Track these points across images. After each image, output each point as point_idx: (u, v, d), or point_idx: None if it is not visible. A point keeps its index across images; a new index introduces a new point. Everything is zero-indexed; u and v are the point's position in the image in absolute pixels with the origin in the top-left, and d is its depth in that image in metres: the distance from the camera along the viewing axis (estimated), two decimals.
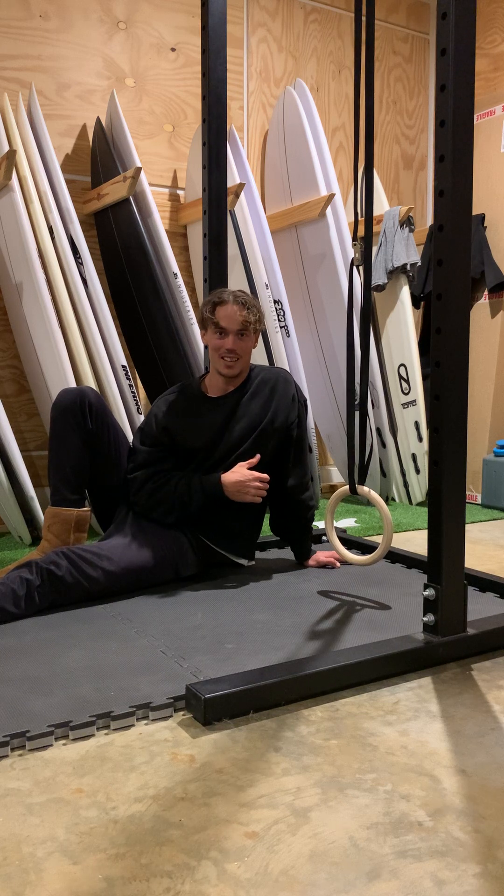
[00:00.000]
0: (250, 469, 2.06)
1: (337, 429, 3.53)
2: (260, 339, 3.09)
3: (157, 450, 2.11)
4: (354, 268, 1.83)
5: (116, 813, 1.03)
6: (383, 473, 3.52)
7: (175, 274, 2.97)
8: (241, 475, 2.03)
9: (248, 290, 3.10)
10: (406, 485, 3.53)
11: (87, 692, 1.37)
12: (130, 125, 3.27)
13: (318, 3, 3.78)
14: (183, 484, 2.06)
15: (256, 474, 2.04)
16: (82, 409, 2.06)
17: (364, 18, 1.70)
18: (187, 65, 3.41)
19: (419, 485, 3.47)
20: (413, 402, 3.43)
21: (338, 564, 2.27)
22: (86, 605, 1.87)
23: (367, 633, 1.68)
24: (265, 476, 2.05)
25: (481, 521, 3.12)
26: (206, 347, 2.52)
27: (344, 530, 2.76)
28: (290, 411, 2.12)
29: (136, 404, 2.85)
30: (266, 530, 2.68)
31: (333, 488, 3.87)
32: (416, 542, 2.72)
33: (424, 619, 1.57)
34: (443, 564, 1.53)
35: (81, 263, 2.80)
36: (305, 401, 2.23)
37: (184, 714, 1.34)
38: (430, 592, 1.55)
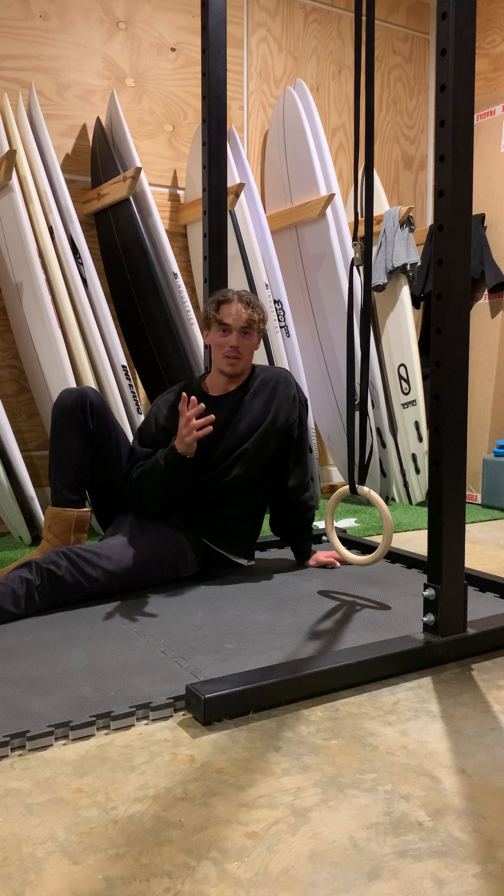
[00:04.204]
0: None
1: (337, 429, 3.53)
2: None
3: (155, 450, 2.11)
4: (354, 268, 1.83)
5: (116, 813, 1.03)
6: (383, 473, 3.52)
7: (175, 274, 2.97)
8: (182, 433, 1.92)
9: (247, 290, 3.10)
10: (406, 485, 3.53)
11: (87, 692, 1.37)
12: (130, 125, 3.27)
13: (318, 3, 3.78)
14: (150, 461, 2.05)
15: (187, 419, 1.89)
16: (83, 409, 2.06)
17: (364, 18, 1.70)
18: (187, 65, 3.41)
19: (419, 485, 3.47)
20: (413, 402, 3.43)
21: (338, 564, 2.27)
22: (86, 605, 1.87)
23: (367, 633, 1.68)
24: (197, 407, 1.89)
25: (481, 521, 3.12)
26: (206, 347, 2.52)
27: (344, 530, 2.76)
28: (290, 411, 2.12)
29: (136, 404, 2.85)
30: (266, 530, 2.68)
31: (333, 488, 3.87)
32: (416, 542, 2.72)
33: (424, 619, 1.57)
34: (443, 564, 1.53)
35: (81, 263, 2.80)
36: (306, 401, 2.23)
37: (184, 714, 1.34)
38: (430, 592, 1.55)
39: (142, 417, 2.85)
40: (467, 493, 3.61)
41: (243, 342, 2.05)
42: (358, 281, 3.16)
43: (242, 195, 3.16)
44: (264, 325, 2.09)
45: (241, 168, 3.28)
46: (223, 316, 2.04)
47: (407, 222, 3.37)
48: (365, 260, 1.80)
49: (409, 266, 3.34)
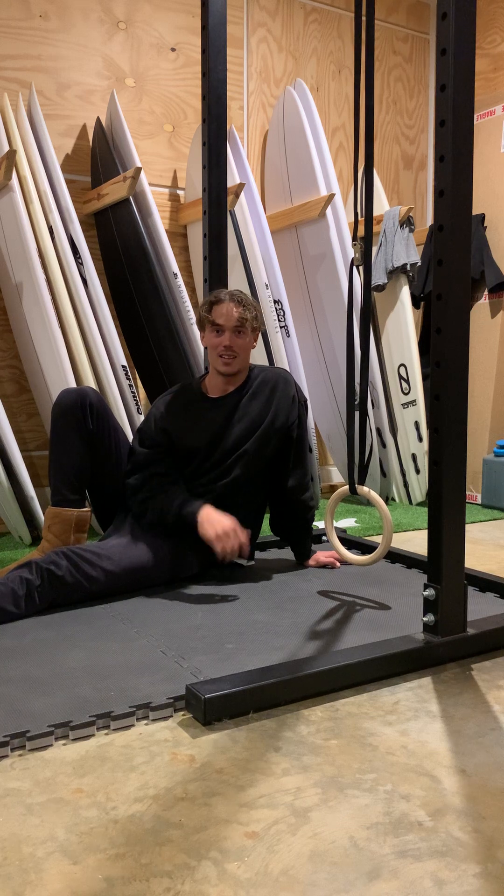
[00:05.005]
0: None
1: (337, 429, 3.53)
2: (260, 339, 3.11)
3: (155, 451, 2.11)
4: (354, 268, 1.83)
5: (116, 813, 1.03)
6: (383, 473, 3.52)
7: (175, 274, 2.97)
8: (222, 524, 1.93)
9: (247, 290, 3.10)
10: (406, 485, 3.53)
11: (87, 692, 1.37)
12: (130, 125, 3.27)
13: (318, 3, 3.78)
14: (167, 502, 2.02)
15: (234, 530, 1.93)
16: (83, 409, 2.06)
17: (364, 18, 1.70)
18: (187, 65, 3.41)
19: (419, 485, 3.47)
20: (413, 402, 3.43)
21: (338, 564, 2.27)
22: (86, 605, 1.87)
23: (367, 633, 1.68)
24: (244, 541, 1.94)
25: (481, 521, 3.12)
26: (206, 349, 2.52)
27: (344, 530, 2.76)
28: (290, 412, 2.12)
29: (136, 404, 2.85)
30: (266, 530, 2.69)
31: (333, 488, 3.87)
32: (416, 542, 2.72)
33: (424, 619, 1.57)
34: (443, 564, 1.53)
35: (81, 263, 2.80)
36: (306, 401, 2.23)
37: (184, 714, 1.34)
38: (430, 592, 1.55)
39: (142, 417, 2.85)
40: (467, 493, 3.61)
41: (237, 341, 2.05)
42: (358, 281, 3.16)
43: (242, 195, 3.16)
44: (258, 322, 2.09)
45: (241, 168, 3.28)
46: (215, 317, 2.04)
47: (407, 222, 3.37)
48: (365, 260, 1.80)
49: (409, 266, 3.34)
